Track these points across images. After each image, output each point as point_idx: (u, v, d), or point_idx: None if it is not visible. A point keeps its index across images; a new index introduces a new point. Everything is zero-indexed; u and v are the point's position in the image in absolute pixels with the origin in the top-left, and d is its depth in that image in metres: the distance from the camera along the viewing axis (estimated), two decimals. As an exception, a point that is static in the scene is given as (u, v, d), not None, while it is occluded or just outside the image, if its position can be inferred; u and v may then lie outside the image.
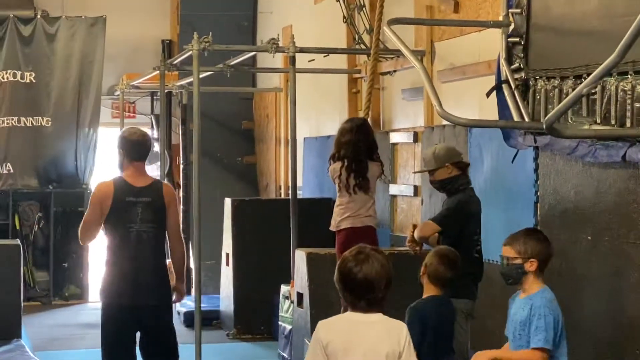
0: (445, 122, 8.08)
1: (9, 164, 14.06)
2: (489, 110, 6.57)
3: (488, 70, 7.52)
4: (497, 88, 6.02)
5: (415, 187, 9.28)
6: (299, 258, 8.63)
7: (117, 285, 6.62)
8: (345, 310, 4.24)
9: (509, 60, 5.93)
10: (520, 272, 5.00)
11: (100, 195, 6.59)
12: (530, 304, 4.94)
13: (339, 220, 7.59)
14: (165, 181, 7.20)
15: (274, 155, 13.73)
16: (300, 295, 8.50)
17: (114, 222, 6.55)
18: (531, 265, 5.01)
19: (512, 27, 5.92)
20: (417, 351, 4.28)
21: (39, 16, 14.19)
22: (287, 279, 9.27)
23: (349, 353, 4.05)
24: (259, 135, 14.64)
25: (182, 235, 6.86)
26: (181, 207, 14.46)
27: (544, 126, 4.51)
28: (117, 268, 6.62)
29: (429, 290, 5.87)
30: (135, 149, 6.63)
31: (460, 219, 6.55)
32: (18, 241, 10.45)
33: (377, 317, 4.15)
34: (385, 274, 4.12)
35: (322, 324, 4.20)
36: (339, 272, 4.14)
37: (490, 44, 7.37)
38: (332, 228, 7.69)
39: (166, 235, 6.68)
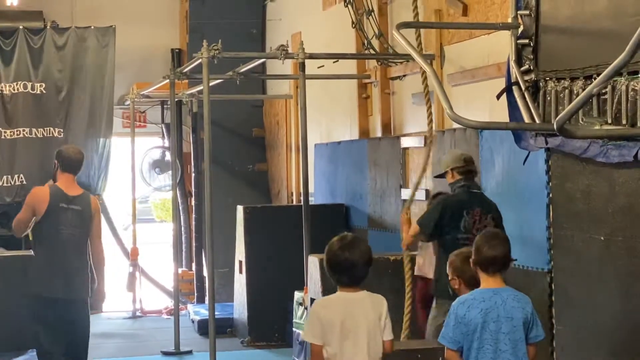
0: (456, 126, 8.08)
1: (21, 175, 14.08)
2: (500, 113, 6.56)
3: (498, 73, 7.51)
4: (508, 90, 6.01)
5: (427, 191, 9.27)
6: (312, 264, 8.63)
7: (46, 278, 7.44)
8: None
9: (519, 62, 5.93)
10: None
11: (36, 199, 7.55)
12: None
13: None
14: (93, 195, 8.12)
15: (285, 162, 13.74)
16: (313, 301, 8.49)
17: (48, 223, 7.44)
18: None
19: (521, 29, 5.92)
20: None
21: (48, 27, 14.23)
22: (301, 285, 9.26)
23: (345, 324, 4.90)
24: (270, 142, 14.65)
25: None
26: (193, 215, 14.52)
27: (555, 127, 4.51)
28: (46, 263, 7.47)
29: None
30: (67, 162, 7.69)
31: (434, 217, 7.04)
32: (32, 252, 10.44)
33: (364, 294, 5.02)
34: (368, 257, 4.98)
35: (319, 302, 5.18)
36: (329, 258, 4.98)
37: (499, 46, 7.37)
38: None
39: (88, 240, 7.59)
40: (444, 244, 7.01)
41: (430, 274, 7.53)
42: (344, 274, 4.98)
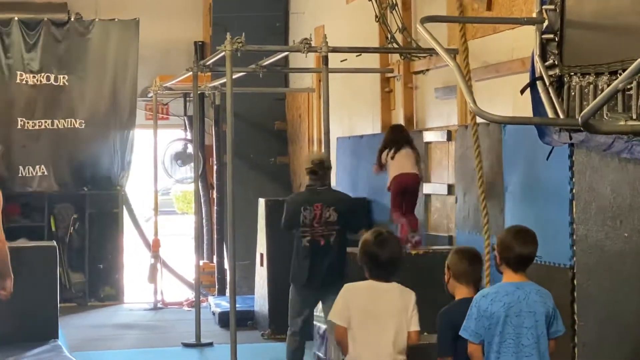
0: (478, 120, 8.06)
1: (42, 166, 14.16)
2: (523, 108, 6.54)
3: (522, 68, 7.49)
4: (531, 85, 5.98)
5: (450, 186, 9.26)
6: (334, 257, 8.60)
7: None
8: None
9: (543, 57, 5.89)
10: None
11: None
12: None
13: None
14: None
15: (306, 155, 13.73)
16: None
17: None
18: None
19: (546, 23, 5.88)
20: (453, 357, 5.19)
21: (72, 19, 14.28)
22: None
23: (368, 310, 5.24)
24: (292, 135, 14.66)
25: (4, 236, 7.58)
26: (215, 207, 14.54)
27: (580, 122, 4.49)
28: None
29: (460, 293, 5.47)
30: None
31: (284, 216, 8.58)
32: (54, 242, 10.51)
33: (394, 285, 5.40)
34: (398, 254, 5.46)
35: (347, 286, 5.57)
36: (363, 252, 5.44)
37: (523, 41, 7.34)
38: None
39: None
40: (293, 236, 8.49)
41: None
42: (375, 267, 5.39)
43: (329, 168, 8.63)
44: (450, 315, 5.36)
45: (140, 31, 14.30)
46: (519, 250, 5.04)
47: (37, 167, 14.12)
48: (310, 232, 8.32)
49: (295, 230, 8.40)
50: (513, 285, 5.03)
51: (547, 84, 5.82)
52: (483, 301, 5.00)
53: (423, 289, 8.02)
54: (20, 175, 14.07)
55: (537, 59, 5.92)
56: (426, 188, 9.75)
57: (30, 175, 14.09)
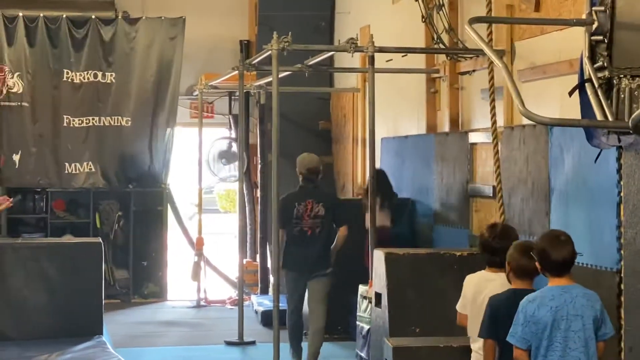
0: (525, 122, 8.02)
1: (90, 163, 14.26)
2: (570, 110, 6.49)
3: (570, 69, 7.43)
4: (580, 87, 5.94)
5: (494, 187, 9.21)
6: (377, 258, 8.61)
7: None
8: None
9: (592, 59, 5.85)
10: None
11: None
12: None
13: None
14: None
15: (351, 155, 13.74)
16: (378, 295, 8.49)
17: None
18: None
19: (595, 25, 5.84)
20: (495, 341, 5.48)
21: (119, 17, 14.38)
22: (365, 278, 9.26)
23: (476, 299, 5.76)
24: (336, 135, 14.66)
25: None
26: (258, 206, 14.58)
27: (630, 125, 4.45)
28: None
29: (515, 284, 5.72)
30: None
31: (278, 213, 9.52)
32: (99, 239, 10.59)
33: (499, 275, 5.80)
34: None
35: (468, 275, 6.20)
36: (482, 244, 6.02)
37: (572, 42, 7.29)
38: None
39: None
40: (286, 229, 9.71)
41: None
42: (490, 257, 5.90)
43: (319, 172, 10.03)
44: (497, 301, 5.59)
45: (187, 29, 14.36)
46: (554, 257, 5.03)
47: (85, 164, 14.23)
48: (300, 223, 9.72)
49: (287, 223, 9.64)
50: (559, 289, 5.00)
51: (596, 86, 5.77)
52: (530, 306, 4.97)
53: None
54: (66, 172, 14.19)
55: (586, 60, 5.87)
56: (471, 189, 9.71)
57: (77, 172, 14.21)
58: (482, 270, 6.03)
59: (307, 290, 9.88)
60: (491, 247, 5.89)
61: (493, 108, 7.71)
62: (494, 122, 7.69)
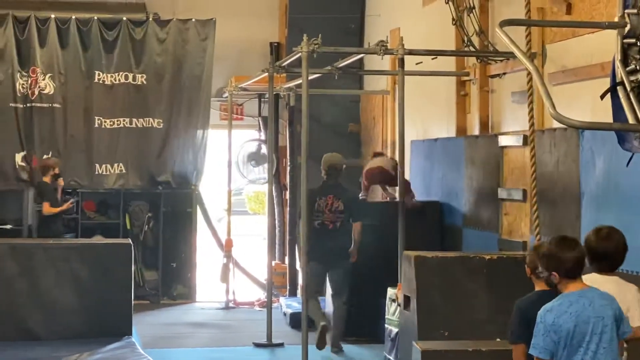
0: (556, 125, 7.99)
1: (120, 164, 14.34)
2: (601, 113, 6.45)
3: (601, 72, 7.40)
4: (612, 90, 5.91)
5: (524, 191, 9.17)
6: (406, 261, 8.59)
7: None
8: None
9: (625, 62, 5.81)
10: (553, 284, 5.21)
11: None
12: None
13: None
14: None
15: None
16: (407, 298, 8.47)
17: None
18: (555, 278, 5.08)
19: (627, 28, 5.81)
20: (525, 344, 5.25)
21: (150, 19, 14.43)
22: (394, 281, 9.24)
23: None
24: (366, 137, 14.65)
25: None
26: (287, 208, 14.59)
27: (662, 129, 4.42)
28: None
29: (539, 286, 5.73)
30: None
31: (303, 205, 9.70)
32: (129, 240, 10.63)
33: (613, 279, 5.50)
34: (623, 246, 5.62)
35: None
36: (588, 248, 5.49)
37: (603, 45, 7.25)
38: None
39: None
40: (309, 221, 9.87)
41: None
42: (599, 262, 5.54)
43: (341, 169, 10.72)
44: (525, 304, 5.53)
45: (217, 31, 14.41)
46: (564, 257, 5.01)
47: (115, 165, 14.30)
48: (321, 216, 10.41)
49: (311, 215, 10.00)
50: (575, 294, 4.98)
51: (628, 89, 5.74)
52: (548, 316, 4.95)
53: (497, 294, 8.01)
54: (97, 173, 14.26)
55: (618, 64, 5.84)
56: (500, 193, 9.67)
57: (107, 173, 14.28)
58: (593, 273, 5.62)
59: (327, 280, 10.66)
60: (597, 252, 5.58)
61: (531, 110, 7.67)
62: (532, 125, 7.64)
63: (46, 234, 12.73)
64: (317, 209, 10.42)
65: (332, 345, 10.46)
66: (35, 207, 13.76)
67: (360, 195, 11.66)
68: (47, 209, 12.94)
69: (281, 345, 11.02)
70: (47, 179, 13.05)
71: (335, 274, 10.57)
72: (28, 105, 14.11)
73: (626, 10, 5.79)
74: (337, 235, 10.50)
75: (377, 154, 12.28)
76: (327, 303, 10.91)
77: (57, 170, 13.10)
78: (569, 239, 5.22)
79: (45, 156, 13.84)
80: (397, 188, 10.29)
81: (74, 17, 14.15)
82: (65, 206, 13.17)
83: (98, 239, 13.11)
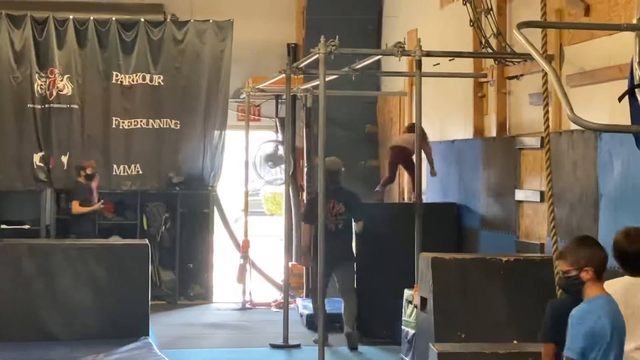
0: (573, 127, 7.96)
1: (137, 165, 14.37)
2: (619, 115, 6.44)
3: (619, 75, 7.37)
4: (630, 92, 5.89)
5: (542, 193, 9.15)
6: (423, 262, 8.60)
7: None
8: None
9: (643, 64, 5.80)
10: (577, 282, 4.99)
11: None
12: None
13: None
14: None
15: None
16: (424, 300, 8.47)
17: None
18: (586, 274, 4.96)
19: (646, 30, 5.80)
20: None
21: (168, 20, 14.46)
22: (410, 283, 9.24)
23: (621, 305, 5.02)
24: (383, 138, 14.64)
25: None
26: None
27: (680, 131, 4.41)
28: None
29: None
30: None
31: (307, 209, 11.42)
32: (146, 241, 10.65)
33: None
34: None
35: (606, 283, 5.29)
36: (615, 249, 5.37)
37: (621, 47, 7.23)
38: None
39: None
40: (313, 225, 10.71)
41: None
42: (632, 264, 5.36)
43: (340, 171, 11.18)
44: (559, 305, 5.49)
45: (234, 32, 14.43)
46: (599, 255, 5.00)
47: (133, 166, 14.34)
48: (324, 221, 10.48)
49: (314, 221, 10.40)
50: (604, 298, 4.96)
51: (647, 91, 5.72)
52: (587, 319, 4.90)
53: (514, 296, 8.00)
54: (114, 173, 14.30)
55: (636, 66, 5.83)
56: (518, 195, 9.65)
57: (125, 174, 14.32)
58: (625, 276, 5.48)
59: (335, 279, 11.06)
60: (629, 254, 5.42)
61: (546, 112, 7.64)
62: (547, 127, 7.63)
63: (77, 233, 12.94)
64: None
65: (349, 346, 10.67)
66: (66, 207, 13.90)
67: (377, 188, 12.22)
68: (76, 208, 13.24)
69: (298, 346, 11.02)
70: (81, 179, 13.40)
71: (341, 273, 10.95)
72: (46, 106, 14.17)
73: (644, 13, 5.78)
74: (340, 236, 10.90)
75: (409, 129, 11.69)
76: (342, 300, 11.10)
77: (88, 171, 13.32)
78: (586, 240, 5.19)
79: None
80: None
81: (92, 18, 14.19)
82: (95, 206, 13.37)
83: (115, 240, 13.14)
